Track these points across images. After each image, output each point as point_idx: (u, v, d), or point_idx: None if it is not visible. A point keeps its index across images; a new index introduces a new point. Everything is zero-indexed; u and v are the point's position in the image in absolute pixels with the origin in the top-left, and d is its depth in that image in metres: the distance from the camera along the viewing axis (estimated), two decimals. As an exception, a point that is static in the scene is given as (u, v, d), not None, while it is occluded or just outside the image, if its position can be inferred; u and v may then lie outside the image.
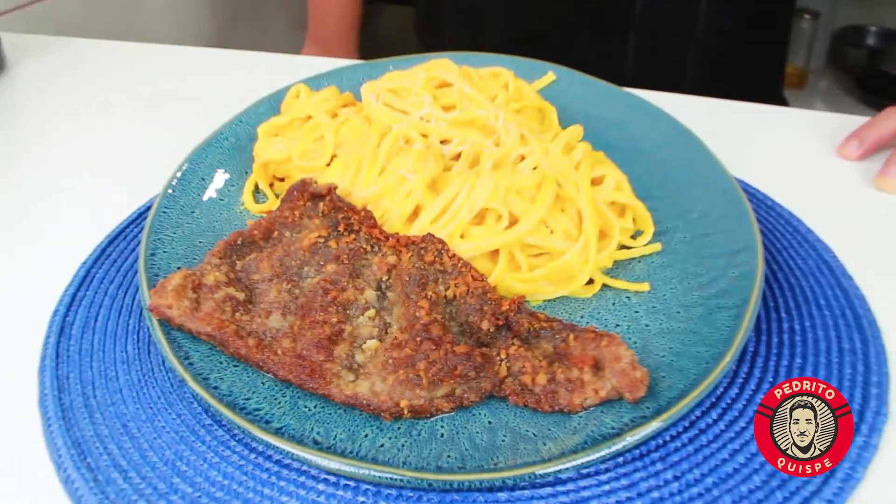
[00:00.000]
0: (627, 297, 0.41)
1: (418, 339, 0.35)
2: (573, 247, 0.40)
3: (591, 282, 0.42)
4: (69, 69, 0.80)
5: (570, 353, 0.36)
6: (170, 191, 0.46)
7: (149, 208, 0.50)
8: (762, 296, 0.43)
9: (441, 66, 0.48)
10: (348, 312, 0.38)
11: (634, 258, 0.44)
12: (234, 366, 0.37)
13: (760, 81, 0.97)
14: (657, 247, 0.44)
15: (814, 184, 0.56)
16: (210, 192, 0.48)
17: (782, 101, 0.99)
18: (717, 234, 0.43)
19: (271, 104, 0.53)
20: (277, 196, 0.49)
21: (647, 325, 0.39)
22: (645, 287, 0.42)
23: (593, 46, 0.83)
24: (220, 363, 0.36)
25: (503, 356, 0.36)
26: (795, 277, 0.46)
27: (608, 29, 0.83)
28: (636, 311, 0.40)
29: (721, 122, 0.63)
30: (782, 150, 0.60)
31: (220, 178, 0.49)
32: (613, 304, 0.41)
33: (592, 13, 0.83)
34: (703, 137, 0.50)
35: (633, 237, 0.45)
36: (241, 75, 0.76)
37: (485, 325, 0.37)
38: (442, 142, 0.45)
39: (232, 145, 0.50)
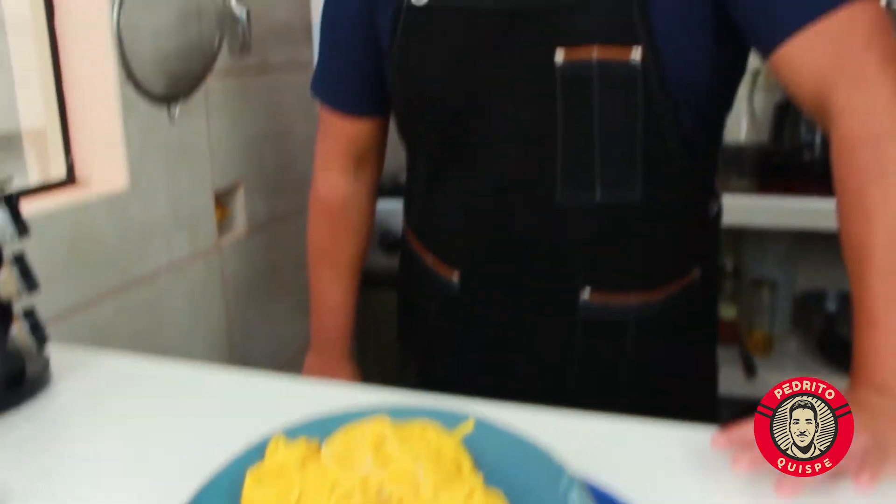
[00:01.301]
0: None
1: None
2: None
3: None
4: (104, 381, 1.00)
5: None
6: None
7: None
8: None
9: (379, 426, 0.67)
10: None
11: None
12: None
13: (693, 398, 1.16)
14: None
15: (683, 487, 0.72)
16: (207, 526, 0.64)
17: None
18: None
19: (259, 449, 0.70)
20: (258, 526, 0.65)
21: None
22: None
23: (536, 380, 1.04)
24: None
25: None
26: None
27: (547, 372, 1.06)
28: None
29: (625, 440, 0.82)
30: (667, 463, 0.77)
31: (214, 512, 0.65)
32: None
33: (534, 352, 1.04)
34: (603, 453, 0.71)
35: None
36: (249, 392, 0.97)
37: None
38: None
39: (226, 485, 0.67)
